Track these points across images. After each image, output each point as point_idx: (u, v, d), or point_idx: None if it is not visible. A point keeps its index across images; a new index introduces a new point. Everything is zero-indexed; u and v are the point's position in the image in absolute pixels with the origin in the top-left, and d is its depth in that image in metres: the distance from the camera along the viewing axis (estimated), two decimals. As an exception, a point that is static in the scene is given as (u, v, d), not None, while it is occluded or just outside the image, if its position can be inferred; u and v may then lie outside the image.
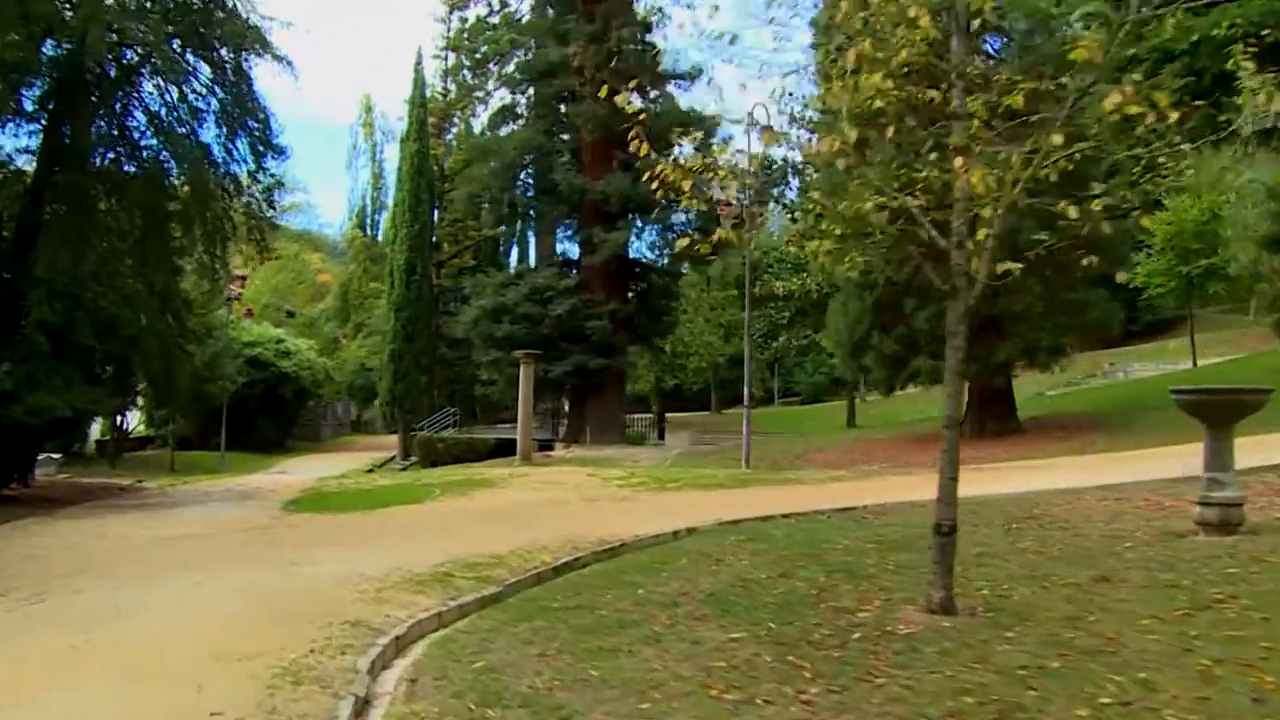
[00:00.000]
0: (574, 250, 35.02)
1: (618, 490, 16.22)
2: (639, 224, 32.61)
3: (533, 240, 48.33)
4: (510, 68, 38.11)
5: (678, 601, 7.40)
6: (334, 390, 54.48)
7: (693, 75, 33.69)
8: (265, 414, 41.10)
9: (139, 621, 7.33)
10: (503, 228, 44.32)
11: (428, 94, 42.49)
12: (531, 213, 35.09)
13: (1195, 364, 27.62)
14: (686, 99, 35.04)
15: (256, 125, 20.20)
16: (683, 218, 32.77)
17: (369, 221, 71.05)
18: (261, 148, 20.25)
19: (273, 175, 21.13)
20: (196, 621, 7.28)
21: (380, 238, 68.84)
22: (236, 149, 20.28)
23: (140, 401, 28.96)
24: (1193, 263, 25.63)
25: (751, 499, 14.10)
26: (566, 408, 37.49)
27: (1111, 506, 10.29)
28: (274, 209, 21.52)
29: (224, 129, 20.16)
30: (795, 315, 32.16)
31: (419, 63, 41.90)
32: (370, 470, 33.98)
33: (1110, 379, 34.56)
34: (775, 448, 23.54)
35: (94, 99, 19.22)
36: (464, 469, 25.63)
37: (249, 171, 20.58)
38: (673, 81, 33.56)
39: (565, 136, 32.80)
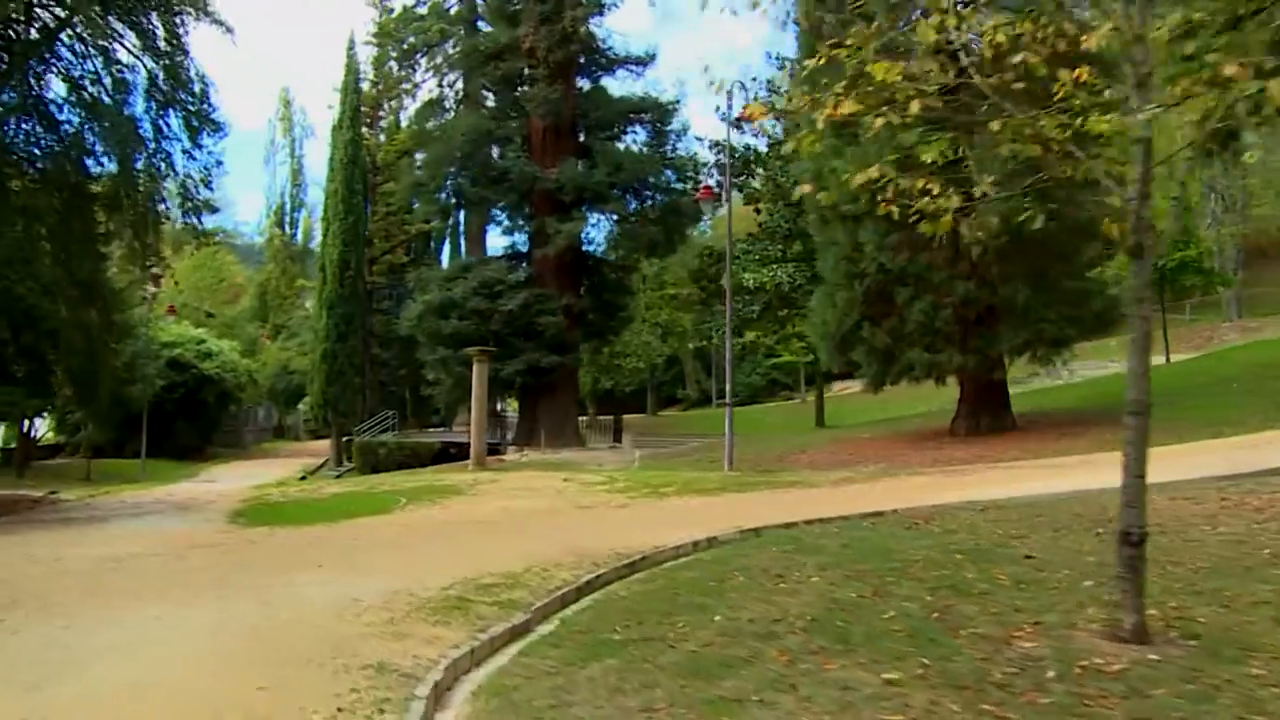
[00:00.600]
0: (523, 242, 33.37)
1: (608, 496, 14.89)
2: (593, 215, 31.13)
3: (464, 235, 46.59)
4: (439, 60, 36.59)
5: (773, 630, 6.14)
6: (256, 394, 52.02)
7: (646, 60, 32.54)
8: (185, 419, 39.02)
9: (101, 670, 5.79)
10: (434, 222, 42.54)
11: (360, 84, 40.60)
12: (460, 201, 33.31)
13: (1169, 359, 27.35)
14: (641, 85, 34.05)
15: (191, 99, 18.35)
16: (635, 205, 31.61)
17: (288, 220, 68.61)
18: (197, 123, 18.41)
19: (210, 153, 19.25)
20: (176, 668, 5.81)
21: (299, 237, 66.50)
22: (168, 124, 18.44)
23: (54, 404, 26.57)
24: (1167, 255, 25.34)
25: (761, 504, 12.99)
26: (507, 409, 36.00)
27: (1190, 507, 9.36)
28: (210, 190, 19.68)
29: (154, 102, 18.25)
30: (764, 309, 31.12)
31: (351, 48, 40.01)
32: (303, 478, 32.17)
33: (1055, 378, 34.19)
34: (751, 449, 22.41)
35: (4, 65, 17.20)
36: (414, 475, 24.06)
37: (183, 149, 18.73)
38: (626, 65, 32.29)
39: (514, 123, 31.17)
